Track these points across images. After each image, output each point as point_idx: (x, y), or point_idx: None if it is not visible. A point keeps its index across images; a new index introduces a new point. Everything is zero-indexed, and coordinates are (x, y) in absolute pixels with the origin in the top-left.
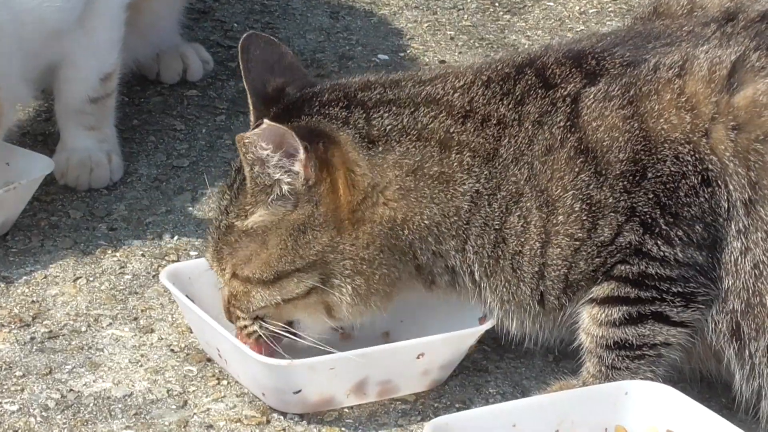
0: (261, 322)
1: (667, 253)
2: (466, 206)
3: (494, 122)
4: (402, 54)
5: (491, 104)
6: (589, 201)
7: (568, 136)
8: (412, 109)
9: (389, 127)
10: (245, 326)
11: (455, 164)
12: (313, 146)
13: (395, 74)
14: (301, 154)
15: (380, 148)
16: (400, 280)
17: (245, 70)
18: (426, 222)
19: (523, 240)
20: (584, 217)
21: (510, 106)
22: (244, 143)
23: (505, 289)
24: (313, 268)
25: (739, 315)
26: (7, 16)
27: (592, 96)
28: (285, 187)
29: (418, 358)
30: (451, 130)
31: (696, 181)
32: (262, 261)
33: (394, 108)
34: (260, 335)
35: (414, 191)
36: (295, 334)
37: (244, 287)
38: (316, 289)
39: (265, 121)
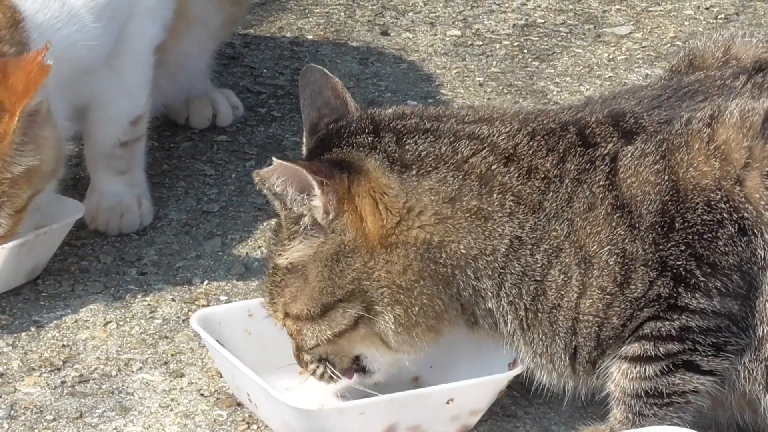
0: (326, 362)
1: (705, 305)
2: (503, 249)
3: (541, 176)
4: (431, 100)
5: (537, 157)
6: (623, 255)
7: (607, 194)
8: (452, 140)
9: (424, 153)
10: (315, 369)
11: (496, 204)
12: (334, 180)
13: (435, 109)
14: (317, 190)
15: (413, 172)
16: (446, 314)
17: (301, 101)
18: (463, 251)
19: (562, 293)
20: (617, 270)
21: (554, 163)
22: (260, 178)
23: (540, 342)
24: (354, 296)
25: None
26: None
27: (629, 155)
28: (309, 219)
29: (447, 403)
30: (493, 168)
31: (733, 230)
32: (306, 296)
33: (430, 137)
34: (331, 375)
35: (451, 219)
36: (364, 370)
37: (295, 325)
38: (363, 319)
39: (274, 159)
